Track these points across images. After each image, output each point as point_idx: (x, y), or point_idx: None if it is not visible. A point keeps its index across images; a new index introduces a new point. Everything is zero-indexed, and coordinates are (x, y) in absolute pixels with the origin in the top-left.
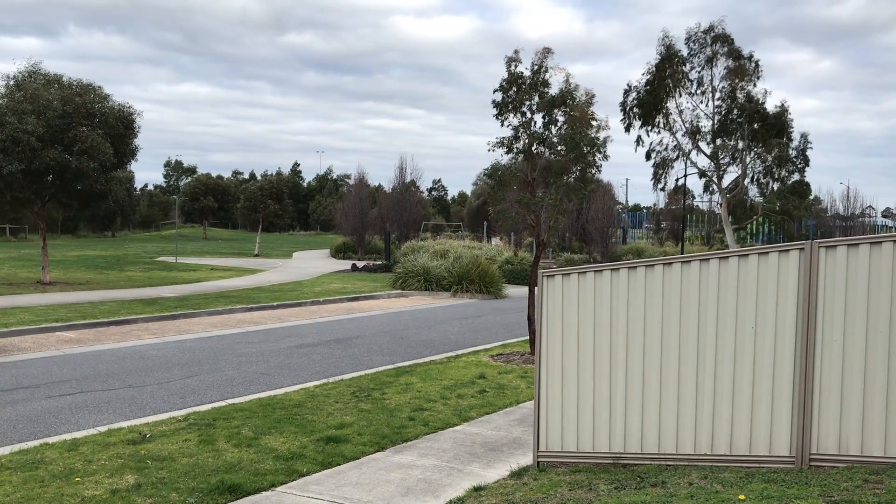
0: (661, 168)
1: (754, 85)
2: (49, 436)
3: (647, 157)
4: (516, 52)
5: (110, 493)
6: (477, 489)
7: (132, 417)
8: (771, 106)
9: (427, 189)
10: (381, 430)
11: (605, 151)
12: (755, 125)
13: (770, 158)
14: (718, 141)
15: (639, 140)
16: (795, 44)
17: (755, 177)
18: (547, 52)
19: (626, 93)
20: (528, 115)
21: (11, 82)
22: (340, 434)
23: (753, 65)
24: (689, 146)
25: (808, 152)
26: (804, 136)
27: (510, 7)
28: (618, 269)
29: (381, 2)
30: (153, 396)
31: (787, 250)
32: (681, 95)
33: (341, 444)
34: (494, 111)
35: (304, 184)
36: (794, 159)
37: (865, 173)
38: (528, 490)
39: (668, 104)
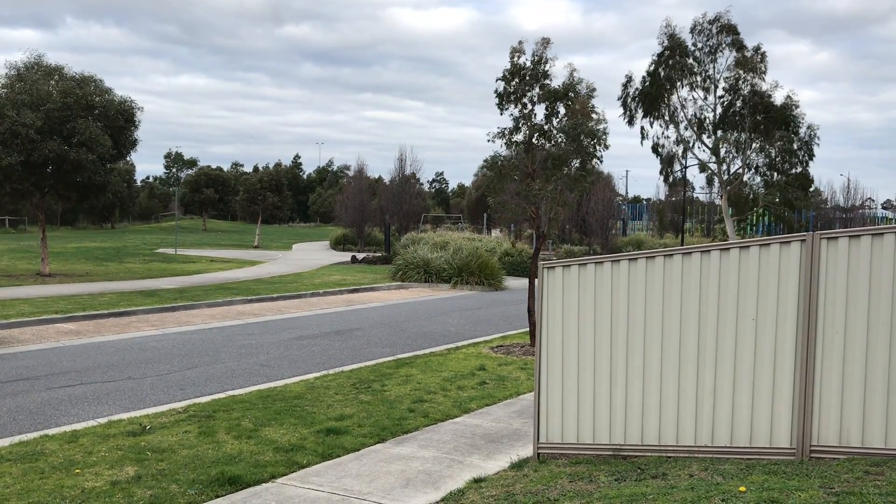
0: (668, 163)
1: (762, 78)
2: (49, 427)
3: (654, 150)
4: (520, 42)
5: (110, 485)
6: (477, 481)
7: (132, 409)
8: (779, 98)
9: (428, 181)
10: (381, 421)
11: (605, 141)
12: (759, 116)
13: (774, 151)
14: (720, 132)
15: (643, 132)
16: (793, 35)
17: (758, 168)
18: (546, 42)
19: (626, 85)
20: (529, 106)
21: (13, 72)
22: (340, 426)
23: (760, 57)
24: (693, 138)
25: (814, 146)
26: (811, 129)
27: None
28: (618, 260)
29: None
30: (153, 388)
31: (789, 242)
32: (683, 87)
33: (341, 436)
34: (496, 101)
35: (304, 176)
36: (798, 151)
37: (864, 165)
38: (528, 481)
39: (671, 96)
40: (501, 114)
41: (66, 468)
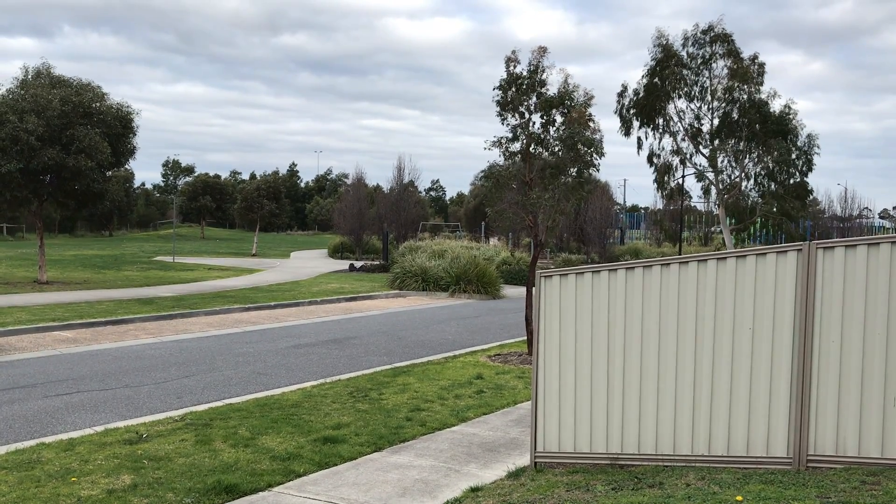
0: (663, 173)
1: (757, 88)
2: (45, 435)
3: (650, 161)
4: (514, 52)
5: (106, 493)
6: (474, 490)
7: (129, 417)
8: (777, 107)
9: (425, 189)
10: (378, 430)
11: (601, 150)
12: (756, 126)
13: (771, 161)
14: (717, 142)
15: (639, 142)
16: (785, 46)
17: (756, 178)
18: (543, 51)
19: (621, 95)
20: (527, 115)
21: (21, 76)
22: (338, 434)
23: (757, 67)
24: (690, 149)
25: (813, 155)
26: (811, 138)
27: (501, 9)
28: (615, 269)
29: (374, 3)
30: (150, 396)
31: (785, 251)
32: (679, 97)
33: (338, 445)
34: (497, 110)
35: (302, 184)
36: (797, 160)
37: (861, 175)
38: (525, 491)
39: (667, 107)
40: (503, 123)
41: (63, 476)
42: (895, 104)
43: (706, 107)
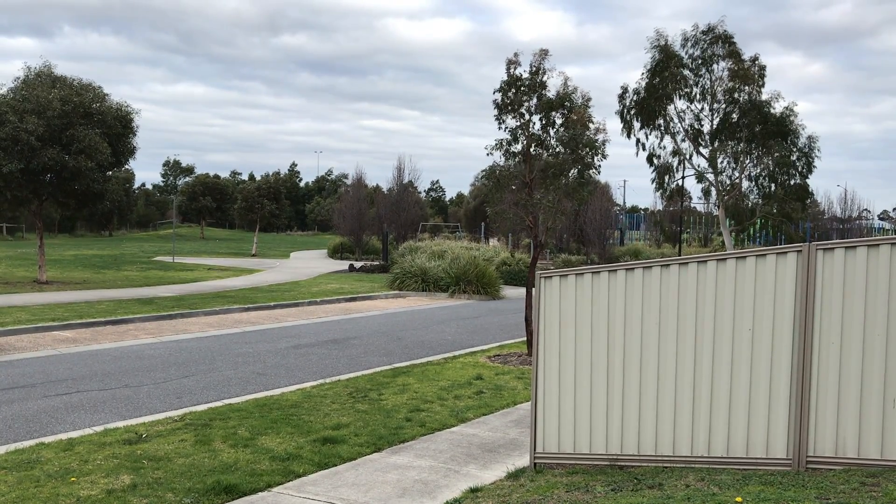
0: (663, 174)
1: (758, 90)
2: (45, 435)
3: (649, 162)
4: (516, 54)
5: (106, 493)
6: (473, 490)
7: (128, 417)
8: (778, 108)
9: (425, 190)
10: (377, 430)
11: (603, 151)
12: (756, 127)
13: (771, 163)
14: (717, 143)
15: (639, 143)
16: (784, 47)
17: (757, 179)
18: (544, 53)
19: (622, 97)
20: (527, 116)
21: (22, 75)
22: (337, 435)
23: (757, 68)
24: (690, 150)
25: (814, 157)
26: (811, 139)
27: (501, 10)
28: (615, 270)
29: (374, 4)
30: (149, 396)
31: (785, 253)
32: (679, 98)
33: (338, 445)
34: (495, 112)
35: (302, 184)
36: (797, 162)
37: (860, 176)
38: (524, 491)
39: (667, 108)
40: (500, 126)
41: (62, 476)
42: (895, 106)
43: (706, 108)
